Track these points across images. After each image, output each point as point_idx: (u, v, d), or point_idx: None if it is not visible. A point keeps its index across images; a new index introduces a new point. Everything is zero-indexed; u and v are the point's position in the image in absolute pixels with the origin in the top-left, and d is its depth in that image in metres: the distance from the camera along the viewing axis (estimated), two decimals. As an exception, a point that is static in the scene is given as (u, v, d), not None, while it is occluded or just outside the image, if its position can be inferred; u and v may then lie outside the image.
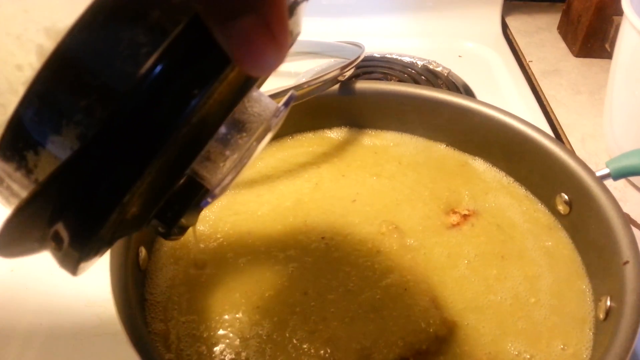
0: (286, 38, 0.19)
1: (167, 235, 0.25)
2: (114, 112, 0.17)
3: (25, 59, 0.18)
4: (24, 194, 0.19)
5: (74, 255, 0.20)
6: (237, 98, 0.22)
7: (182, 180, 0.24)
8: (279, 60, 0.19)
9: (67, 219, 0.19)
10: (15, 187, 0.19)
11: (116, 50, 0.17)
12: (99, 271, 0.52)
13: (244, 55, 0.18)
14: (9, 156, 0.18)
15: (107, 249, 0.22)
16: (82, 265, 0.21)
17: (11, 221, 0.19)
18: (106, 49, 0.17)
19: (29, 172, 0.18)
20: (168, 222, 0.25)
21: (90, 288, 0.50)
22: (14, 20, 0.18)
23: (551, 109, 0.68)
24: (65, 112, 0.18)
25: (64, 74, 0.17)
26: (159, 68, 0.18)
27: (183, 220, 0.25)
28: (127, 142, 0.18)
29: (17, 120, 0.18)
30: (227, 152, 0.24)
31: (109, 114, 0.17)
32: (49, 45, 0.17)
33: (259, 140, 0.24)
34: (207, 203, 0.25)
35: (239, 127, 0.24)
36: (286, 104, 0.26)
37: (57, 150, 0.18)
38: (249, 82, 0.22)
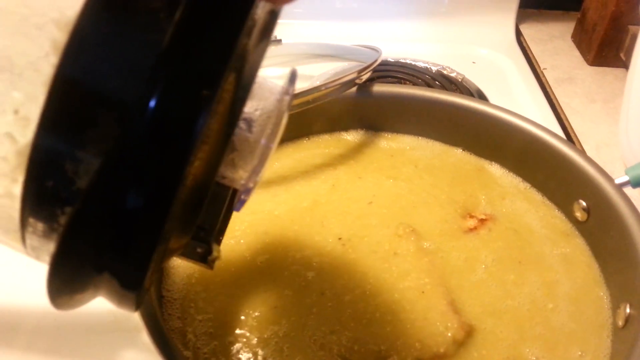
0: None
1: (208, 254, 0.24)
2: (127, 133, 0.16)
3: (42, 53, 0.17)
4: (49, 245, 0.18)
5: (130, 296, 0.19)
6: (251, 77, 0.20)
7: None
8: None
9: (111, 268, 0.18)
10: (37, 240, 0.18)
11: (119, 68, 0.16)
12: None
13: None
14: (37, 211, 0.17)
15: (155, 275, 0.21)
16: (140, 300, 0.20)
17: (53, 275, 0.18)
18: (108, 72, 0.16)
19: (52, 228, 0.17)
20: (205, 238, 0.23)
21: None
22: (20, 17, 0.17)
23: (565, 116, 0.68)
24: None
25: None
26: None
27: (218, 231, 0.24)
28: (152, 156, 0.17)
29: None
30: (250, 140, 0.23)
31: (123, 135, 0.16)
32: (61, 36, 0.16)
33: (277, 124, 0.23)
34: (243, 203, 0.24)
35: (253, 115, 0.23)
36: (292, 78, 0.24)
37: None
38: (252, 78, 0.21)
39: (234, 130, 0.20)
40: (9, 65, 0.16)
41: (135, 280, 0.18)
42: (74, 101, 0.16)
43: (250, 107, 0.23)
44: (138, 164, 0.17)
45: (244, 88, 0.20)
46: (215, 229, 0.23)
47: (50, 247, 0.18)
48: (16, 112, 0.16)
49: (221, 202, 0.23)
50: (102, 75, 0.16)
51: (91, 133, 0.16)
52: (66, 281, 0.18)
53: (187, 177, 0.17)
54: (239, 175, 0.23)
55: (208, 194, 0.21)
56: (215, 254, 0.24)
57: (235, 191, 0.24)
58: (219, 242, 0.24)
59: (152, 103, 0.16)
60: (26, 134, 0.16)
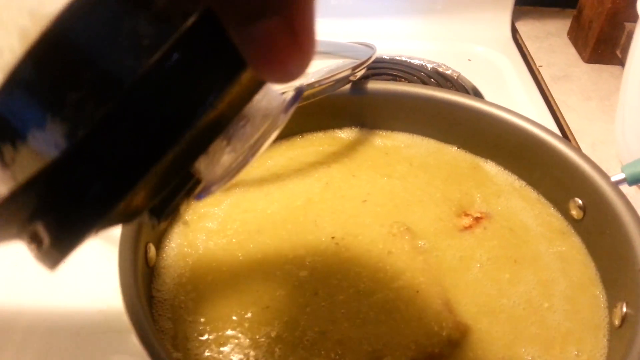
0: (313, 45, 0.17)
1: (155, 222, 0.23)
2: (109, 110, 0.15)
3: (6, 41, 0.15)
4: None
5: (55, 255, 0.18)
6: (247, 98, 0.20)
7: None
8: (303, 69, 0.17)
9: (49, 222, 0.17)
10: None
11: (114, 39, 0.15)
12: (104, 268, 0.51)
13: (263, 62, 0.17)
14: None
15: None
16: (61, 262, 0.19)
17: None
18: (102, 38, 0.15)
19: (4, 165, 0.16)
20: (157, 213, 0.23)
21: (94, 284, 0.50)
22: None
23: (561, 114, 0.68)
24: (51, 105, 0.15)
25: (51, 61, 0.15)
26: (164, 65, 0.15)
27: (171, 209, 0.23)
28: (122, 145, 0.16)
29: None
30: (229, 148, 0.22)
31: (104, 112, 0.15)
32: (33, 29, 0.15)
33: (265, 137, 0.22)
34: (202, 197, 0.23)
35: (244, 122, 0.22)
36: (295, 98, 0.24)
37: (39, 147, 0.16)
38: (262, 84, 0.20)
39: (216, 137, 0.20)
40: None
41: (68, 243, 0.18)
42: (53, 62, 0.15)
43: (242, 115, 0.22)
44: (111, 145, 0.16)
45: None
46: (169, 207, 0.22)
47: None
48: None
49: (183, 185, 0.22)
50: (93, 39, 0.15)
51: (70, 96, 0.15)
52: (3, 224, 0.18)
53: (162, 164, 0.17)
54: (206, 175, 0.22)
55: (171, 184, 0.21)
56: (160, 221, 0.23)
57: (198, 181, 0.23)
58: (165, 219, 0.23)
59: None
60: None
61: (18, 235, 0.18)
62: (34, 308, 0.49)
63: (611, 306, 0.40)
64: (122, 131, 0.16)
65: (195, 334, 0.38)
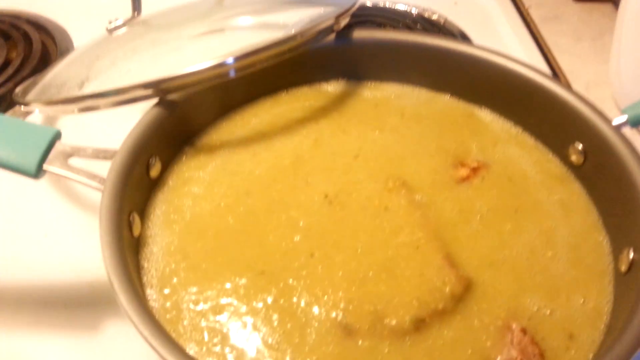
0: None
1: None
2: None
3: None
4: None
5: None
6: None
7: None
8: None
9: None
10: None
11: None
12: (87, 239, 0.49)
13: None
14: None
15: None
16: None
17: None
18: None
19: None
20: None
21: (81, 256, 0.48)
22: None
23: (553, 56, 0.66)
24: None
25: None
26: None
27: None
28: None
29: None
30: None
31: None
32: None
33: None
34: None
35: None
36: None
37: None
38: None
39: None
40: None
41: None
42: None
43: None
44: None
45: None
46: None
47: None
48: None
49: None
50: None
51: None
52: None
53: None
54: None
55: None
56: None
57: None
58: None
59: None
60: None
61: None
62: (20, 282, 0.47)
63: (616, 252, 0.39)
64: None
65: (189, 303, 0.37)
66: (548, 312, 0.36)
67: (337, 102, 0.50)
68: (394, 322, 0.35)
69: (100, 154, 0.40)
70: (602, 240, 0.40)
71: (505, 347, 0.34)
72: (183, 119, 0.45)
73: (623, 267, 0.37)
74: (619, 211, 0.39)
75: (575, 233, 0.40)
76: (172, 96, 0.44)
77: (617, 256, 0.38)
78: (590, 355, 0.34)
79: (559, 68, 0.64)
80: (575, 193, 0.43)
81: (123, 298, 0.32)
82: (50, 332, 0.44)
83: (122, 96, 0.41)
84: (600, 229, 0.41)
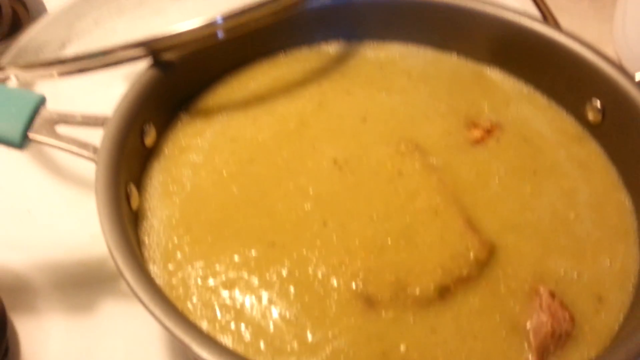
0: None
1: None
2: None
3: None
4: None
5: None
6: None
7: None
8: None
9: None
10: None
11: None
12: (78, 214, 0.46)
13: None
14: None
15: None
16: None
17: None
18: None
19: None
20: None
21: (69, 232, 0.45)
22: None
23: (552, 16, 0.64)
24: None
25: None
26: None
27: None
28: None
29: None
30: None
31: None
32: None
33: None
34: None
35: None
36: None
37: None
38: None
39: None
40: None
41: None
42: None
43: None
44: None
45: None
46: None
47: None
48: None
49: None
50: None
51: None
52: None
53: None
54: None
55: None
56: None
57: None
58: None
59: None
60: None
61: None
62: (2, 263, 0.44)
63: (638, 211, 0.37)
64: None
65: (196, 279, 0.34)
66: (575, 275, 0.34)
67: (340, 64, 0.48)
68: (417, 291, 0.33)
69: (91, 121, 0.37)
70: (624, 199, 0.39)
71: (535, 311, 0.33)
72: (177, 83, 0.42)
73: (650, 228, 0.35)
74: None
75: (597, 193, 0.39)
76: (165, 56, 0.40)
77: (642, 215, 0.37)
78: (621, 318, 0.33)
79: (559, 27, 0.62)
80: (593, 152, 0.41)
81: (129, 276, 0.29)
82: (43, 316, 0.41)
83: (111, 57, 0.37)
84: (621, 188, 0.39)
